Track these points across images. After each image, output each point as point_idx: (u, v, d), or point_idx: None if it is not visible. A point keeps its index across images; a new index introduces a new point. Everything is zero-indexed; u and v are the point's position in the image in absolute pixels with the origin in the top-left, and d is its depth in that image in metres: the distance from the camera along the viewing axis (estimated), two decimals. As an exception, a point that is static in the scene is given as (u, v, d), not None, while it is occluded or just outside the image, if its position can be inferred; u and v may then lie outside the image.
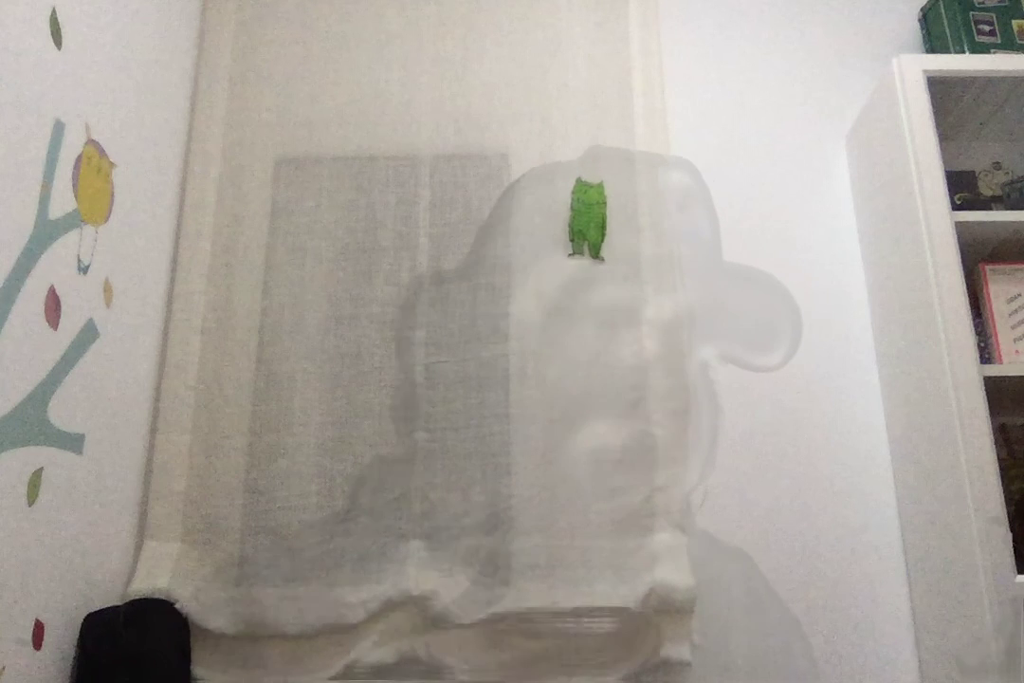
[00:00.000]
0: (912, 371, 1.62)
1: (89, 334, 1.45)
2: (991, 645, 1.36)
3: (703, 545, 1.65)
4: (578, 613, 1.54)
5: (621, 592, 1.55)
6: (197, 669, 1.55)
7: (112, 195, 1.54)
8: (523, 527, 1.63)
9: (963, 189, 1.77)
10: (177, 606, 1.54)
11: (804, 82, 2.02)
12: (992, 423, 1.46)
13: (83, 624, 1.41)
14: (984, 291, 1.64)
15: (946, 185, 1.59)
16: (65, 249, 1.36)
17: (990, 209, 1.75)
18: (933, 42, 1.90)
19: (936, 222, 1.56)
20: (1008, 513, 1.41)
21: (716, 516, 1.68)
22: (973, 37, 1.82)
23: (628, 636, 1.55)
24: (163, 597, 1.54)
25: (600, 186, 1.82)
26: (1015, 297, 1.62)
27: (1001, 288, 1.63)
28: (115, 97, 1.55)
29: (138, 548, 1.63)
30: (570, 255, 1.79)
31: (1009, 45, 1.82)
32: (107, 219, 1.52)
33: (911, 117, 1.64)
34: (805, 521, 1.70)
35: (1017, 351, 1.58)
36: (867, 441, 1.75)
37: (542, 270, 1.79)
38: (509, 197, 1.84)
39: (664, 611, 1.55)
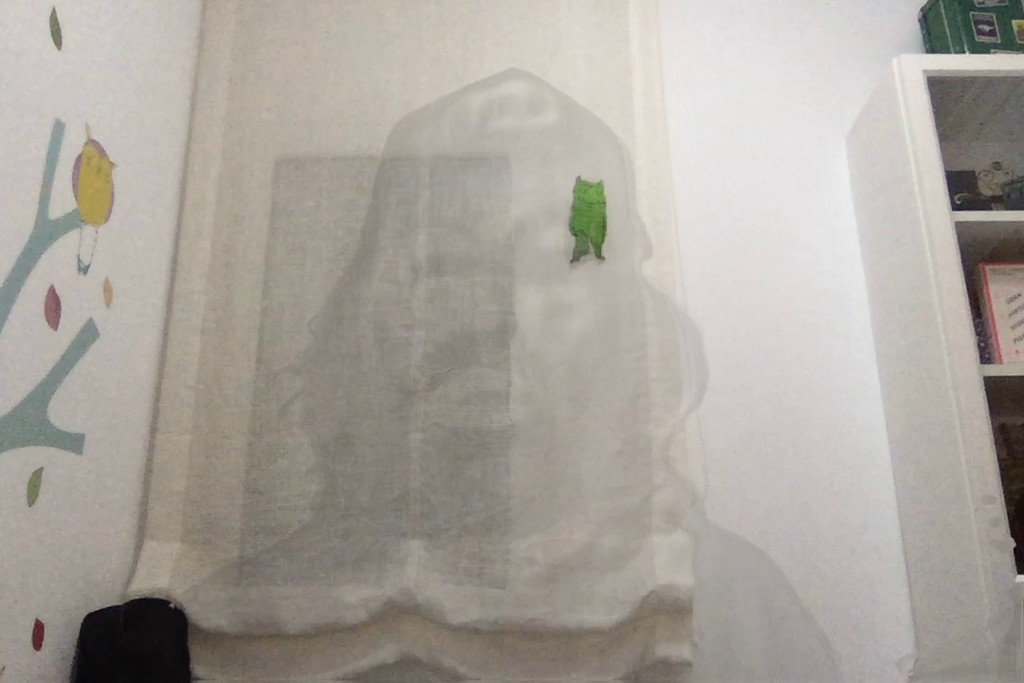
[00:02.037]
0: (912, 371, 1.62)
1: (89, 334, 1.45)
2: (991, 645, 1.36)
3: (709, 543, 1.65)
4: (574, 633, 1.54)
5: (620, 594, 1.54)
6: (197, 669, 1.54)
7: (112, 195, 1.54)
8: (522, 527, 1.63)
9: (963, 189, 1.77)
10: (177, 606, 1.54)
11: (804, 82, 2.02)
12: (992, 423, 1.46)
13: (83, 624, 1.41)
14: (984, 291, 1.64)
15: (946, 185, 1.59)
16: (65, 249, 1.36)
17: (990, 209, 1.74)
18: (933, 42, 1.90)
19: (936, 222, 1.56)
20: (1008, 513, 1.41)
21: (716, 516, 1.68)
22: (973, 37, 1.82)
23: (626, 634, 1.55)
24: (163, 597, 1.54)
25: (600, 185, 1.81)
26: (1015, 297, 1.62)
27: (1001, 288, 1.63)
28: (115, 97, 1.55)
29: (138, 548, 1.63)
30: (572, 261, 1.78)
31: (1009, 45, 1.82)
32: (107, 219, 1.52)
33: (911, 117, 1.64)
34: (805, 521, 1.70)
35: (1017, 351, 1.58)
36: (867, 441, 1.75)
37: (543, 270, 1.79)
38: (507, 196, 1.84)
39: (664, 611, 1.55)
